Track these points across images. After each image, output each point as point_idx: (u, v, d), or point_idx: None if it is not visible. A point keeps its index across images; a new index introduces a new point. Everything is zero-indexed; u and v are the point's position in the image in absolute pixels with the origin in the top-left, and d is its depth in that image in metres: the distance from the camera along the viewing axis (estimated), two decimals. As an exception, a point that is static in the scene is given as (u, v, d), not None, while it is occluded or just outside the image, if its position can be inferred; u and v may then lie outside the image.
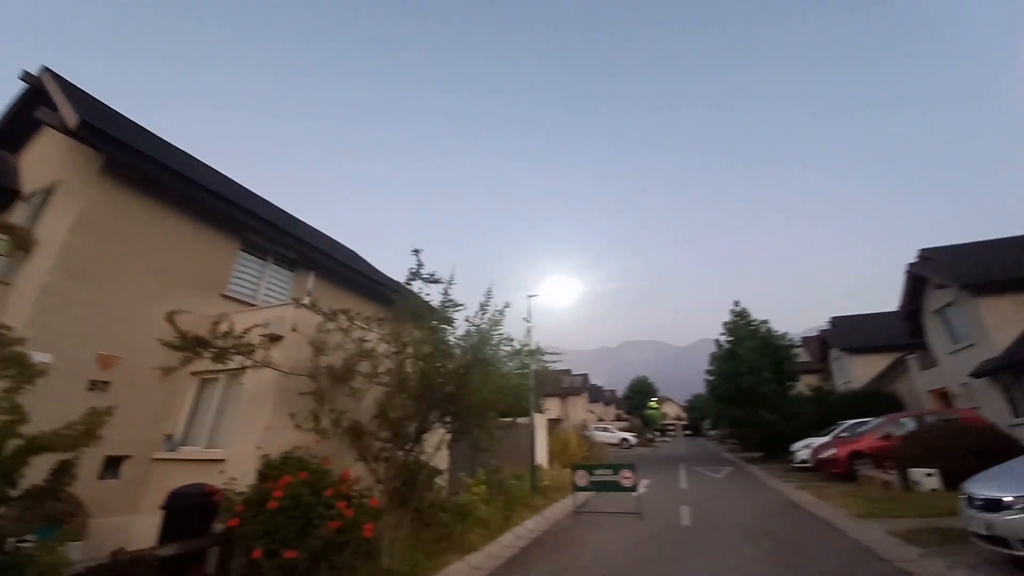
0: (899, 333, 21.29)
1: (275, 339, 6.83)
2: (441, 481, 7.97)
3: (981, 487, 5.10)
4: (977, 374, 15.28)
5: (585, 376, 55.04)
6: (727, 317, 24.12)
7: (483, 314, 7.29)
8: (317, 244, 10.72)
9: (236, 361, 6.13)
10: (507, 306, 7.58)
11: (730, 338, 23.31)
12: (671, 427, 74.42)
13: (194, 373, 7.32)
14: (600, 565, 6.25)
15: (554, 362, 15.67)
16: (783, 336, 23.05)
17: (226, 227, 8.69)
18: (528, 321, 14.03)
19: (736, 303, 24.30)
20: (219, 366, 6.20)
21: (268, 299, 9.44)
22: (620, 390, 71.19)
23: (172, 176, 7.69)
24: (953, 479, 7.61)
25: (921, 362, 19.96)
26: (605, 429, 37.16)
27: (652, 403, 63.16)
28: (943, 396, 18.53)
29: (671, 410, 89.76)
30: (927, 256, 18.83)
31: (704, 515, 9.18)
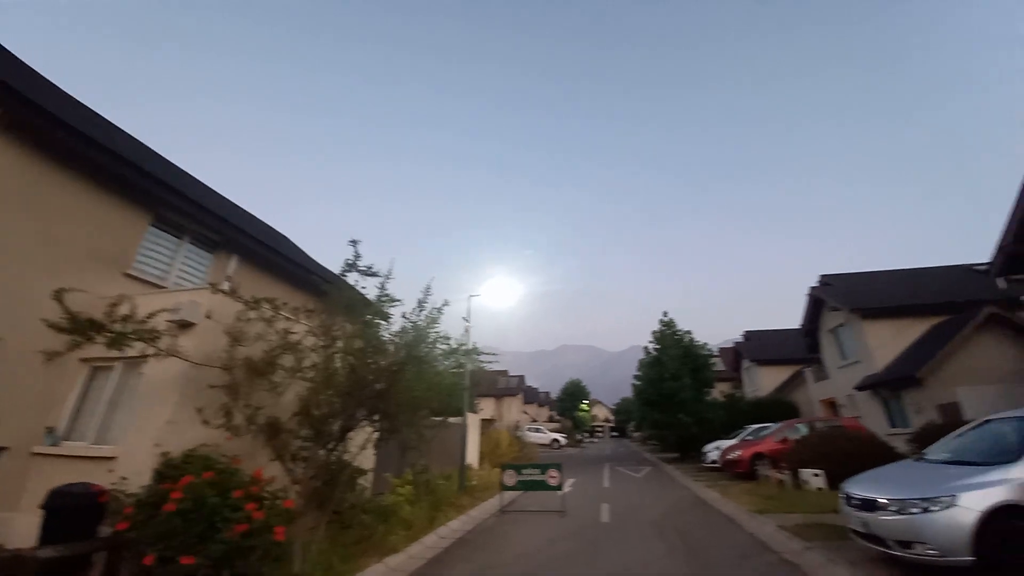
0: (800, 348, 23.74)
1: (185, 326, 6.26)
2: (365, 481, 7.71)
3: (859, 488, 5.69)
4: (860, 387, 17.42)
5: (521, 377, 55.87)
6: (657, 326, 25.60)
7: (420, 311, 7.17)
8: (242, 226, 9.94)
9: (136, 348, 5.54)
10: (445, 304, 7.52)
11: (657, 346, 24.70)
12: (599, 429, 77.57)
13: (84, 360, 6.54)
14: (521, 562, 6.36)
15: (490, 362, 15.76)
16: (703, 346, 24.82)
17: (137, 199, 7.83)
18: (467, 321, 14.01)
19: (665, 314, 25.82)
20: (115, 353, 5.58)
21: (182, 282, 8.62)
22: (555, 392, 73.02)
23: (75, 138, 6.81)
24: (836, 480, 8.56)
25: (816, 375, 22.40)
26: (537, 430, 37.92)
27: (583, 406, 65.34)
28: (832, 405, 20.91)
29: (601, 413, 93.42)
30: (826, 281, 21.20)
31: (622, 512, 9.65)
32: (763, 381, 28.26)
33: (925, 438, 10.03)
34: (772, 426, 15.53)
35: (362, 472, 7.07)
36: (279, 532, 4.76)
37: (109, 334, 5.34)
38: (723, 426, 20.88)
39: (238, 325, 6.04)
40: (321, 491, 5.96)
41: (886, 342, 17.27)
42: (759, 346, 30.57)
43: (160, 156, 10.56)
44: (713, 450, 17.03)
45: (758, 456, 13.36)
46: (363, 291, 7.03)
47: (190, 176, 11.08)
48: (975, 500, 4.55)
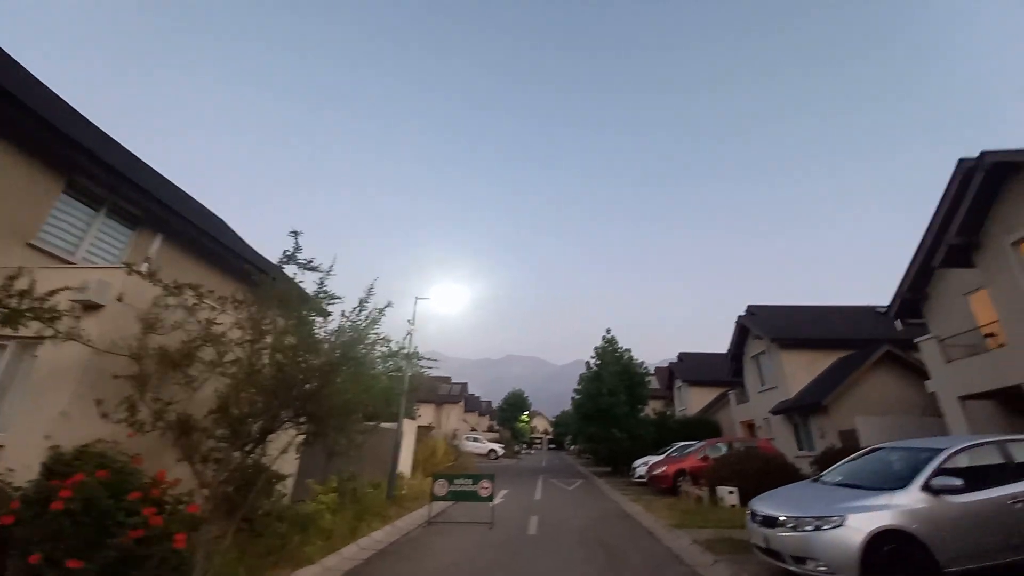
0: (727, 371, 25.38)
1: (92, 308, 5.65)
2: (284, 488, 7.27)
3: (762, 505, 6.13)
4: (775, 411, 18.86)
5: (464, 385, 55.36)
6: (600, 342, 26.38)
7: (361, 311, 6.94)
8: (171, 203, 9.15)
9: (32, 328, 4.94)
10: (388, 305, 7.32)
11: (598, 362, 25.44)
12: (538, 441, 78.31)
13: (-34, 338, 5.72)
14: (441, 574, 6.25)
15: (431, 367, 15.51)
16: (641, 364, 25.87)
17: (49, 162, 7.02)
18: (412, 324, 13.72)
19: (608, 331, 26.69)
20: (7, 332, 4.93)
21: (93, 258, 7.80)
22: (497, 402, 72.98)
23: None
24: (748, 497, 9.17)
25: (738, 397, 24.01)
26: (475, 439, 37.62)
27: (523, 417, 65.72)
28: (751, 427, 22.46)
29: (540, 424, 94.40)
30: (753, 311, 22.89)
31: (550, 524, 9.77)
32: (692, 401, 29.87)
33: (826, 461, 11.01)
34: (696, 444, 16.39)
35: (281, 477, 6.68)
36: (179, 540, 4.40)
37: (3, 310, 4.72)
38: (653, 442, 21.79)
39: (154, 311, 5.55)
40: (232, 497, 5.57)
41: (800, 371, 18.88)
42: (691, 367, 32.34)
43: (82, 117, 9.55)
44: (641, 465, 17.68)
45: (681, 472, 14.05)
46: (301, 285, 6.72)
47: (117, 143, 10.10)
48: (862, 522, 4.99)
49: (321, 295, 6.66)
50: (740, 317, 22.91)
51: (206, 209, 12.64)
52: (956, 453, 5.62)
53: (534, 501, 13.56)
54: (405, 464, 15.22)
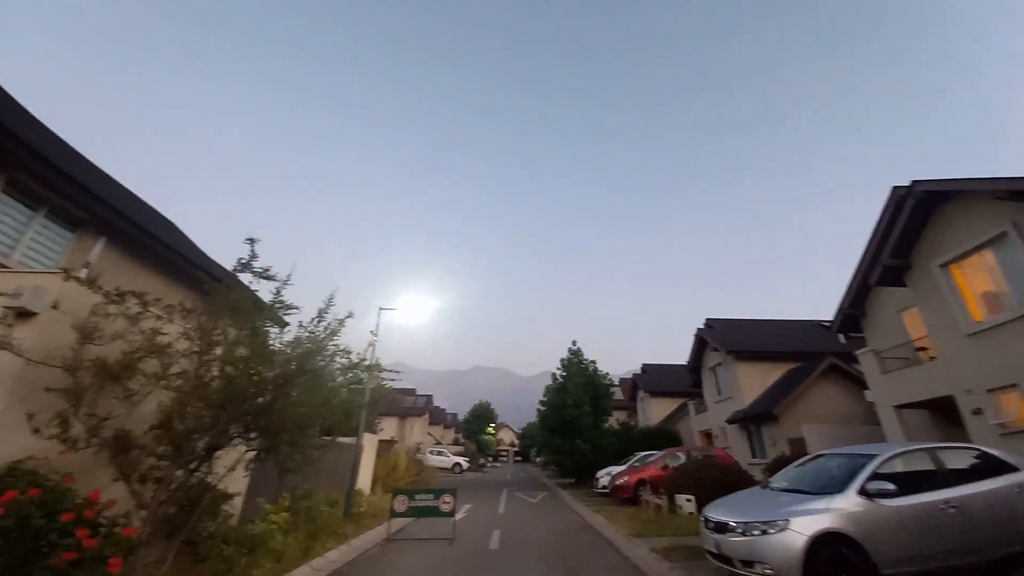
0: (687, 382, 26.17)
1: (25, 315, 5.26)
2: (231, 507, 6.91)
3: (715, 512, 6.34)
4: (730, 421, 19.56)
5: (429, 397, 54.44)
6: (566, 355, 26.66)
7: (320, 321, 6.78)
8: (117, 204, 8.67)
9: (-45, 337, 4.56)
10: (349, 316, 7.19)
11: (564, 373, 25.70)
12: (504, 453, 77.70)
13: None
14: (400, 594, 6.10)
15: (394, 380, 15.23)
16: (605, 376, 26.30)
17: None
18: (375, 335, 13.46)
19: (574, 343, 27.03)
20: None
21: (30, 262, 7.26)
22: (464, 414, 72.12)
23: None
24: (704, 504, 9.45)
25: (697, 408, 24.77)
26: (440, 453, 36.95)
27: (489, 429, 65.22)
28: (708, 436, 23.18)
29: (507, 437, 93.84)
30: (711, 324, 23.78)
31: (512, 538, 9.70)
32: (654, 411, 30.56)
33: (776, 468, 11.49)
34: (656, 454, 16.75)
35: (228, 497, 6.34)
36: (114, 564, 4.17)
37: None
38: (616, 453, 22.10)
39: (93, 320, 5.22)
40: (173, 518, 5.25)
41: (753, 382, 19.72)
42: (654, 379, 33.15)
43: (24, 110, 8.95)
44: (605, 476, 17.87)
45: (642, 482, 14.30)
46: (257, 295, 6.50)
47: (62, 141, 9.50)
48: (804, 525, 5.23)
49: (278, 305, 6.47)
50: (699, 330, 23.76)
51: (156, 212, 12.02)
52: (889, 459, 5.99)
53: (497, 515, 13.43)
54: (364, 480, 14.77)
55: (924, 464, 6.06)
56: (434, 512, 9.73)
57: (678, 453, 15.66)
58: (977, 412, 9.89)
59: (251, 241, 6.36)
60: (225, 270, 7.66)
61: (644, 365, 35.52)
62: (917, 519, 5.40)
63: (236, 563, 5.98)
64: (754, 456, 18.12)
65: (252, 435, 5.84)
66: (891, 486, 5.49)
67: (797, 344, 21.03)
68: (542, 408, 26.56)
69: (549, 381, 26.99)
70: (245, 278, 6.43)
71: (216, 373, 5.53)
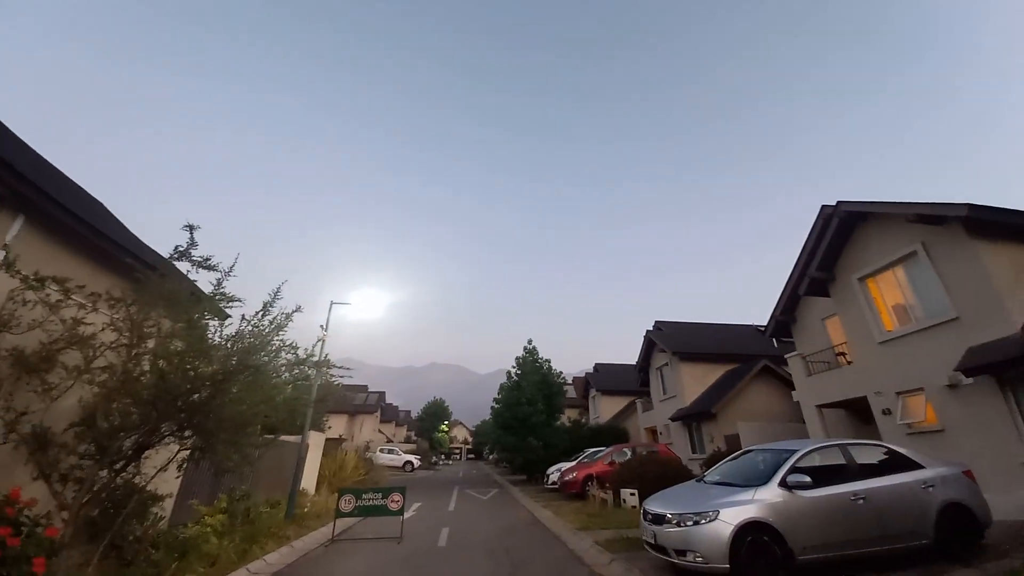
0: (636, 381, 27.18)
1: (-80, 302, 4.74)
2: (161, 509, 6.52)
3: (654, 505, 6.67)
4: (673, 418, 20.56)
5: (381, 394, 53.25)
6: (521, 352, 26.93)
7: (265, 315, 6.52)
8: (39, 181, 7.90)
9: None
10: (297, 309, 6.95)
11: (519, 371, 25.96)
12: (457, 451, 77.36)
13: None
14: (343, 594, 6.00)
15: (345, 376, 14.81)
16: (559, 375, 26.84)
17: None
18: (325, 330, 13.05)
19: (530, 341, 27.33)
20: None
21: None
22: (419, 411, 71.04)
23: None
24: (646, 498, 9.92)
25: (644, 406, 25.81)
26: (391, 451, 36.27)
27: (443, 427, 64.70)
28: (653, 433, 24.22)
29: (461, 434, 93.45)
30: (659, 327, 24.82)
31: (461, 535, 9.75)
32: (605, 409, 31.52)
33: (711, 463, 12.23)
34: (604, 450, 17.33)
35: (158, 499, 5.99)
36: (39, 564, 3.94)
37: None
38: (567, 450, 22.63)
39: (8, 307, 4.78)
40: (97, 520, 4.91)
41: (695, 382, 20.82)
42: (605, 377, 34.18)
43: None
44: (555, 472, 18.26)
45: (590, 477, 14.77)
46: (196, 285, 6.16)
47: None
48: (731, 515, 5.64)
49: (218, 296, 6.16)
50: (648, 331, 24.76)
51: (83, 190, 11.02)
52: (807, 454, 6.53)
53: (447, 512, 13.43)
54: (309, 480, 14.29)
55: (838, 459, 6.60)
56: (382, 511, 9.60)
57: (624, 449, 16.28)
58: (887, 412, 10.98)
59: (190, 228, 6.04)
60: (161, 258, 7.17)
61: (597, 364, 36.55)
62: (829, 509, 5.90)
63: (165, 568, 5.66)
64: (694, 452, 19.14)
65: (186, 434, 5.54)
66: (808, 479, 5.98)
67: (736, 347, 22.41)
68: (497, 406, 26.71)
69: (505, 379, 27.19)
70: (183, 267, 6.08)
71: (147, 368, 5.21)
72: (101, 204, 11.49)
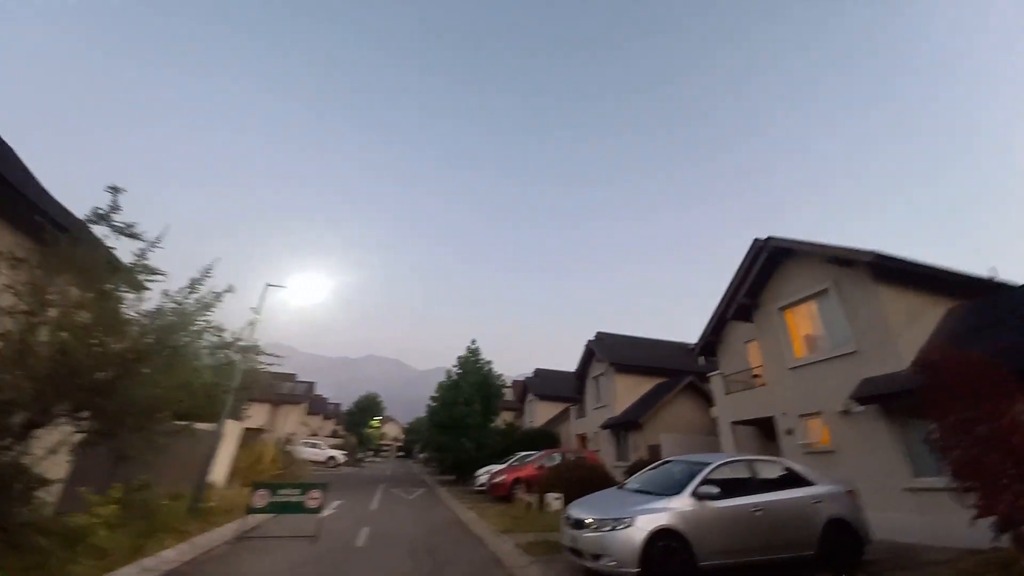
0: (573, 388, 27.93)
1: None
2: (47, 495, 5.85)
3: (575, 510, 6.91)
4: (604, 426, 21.39)
5: (311, 384, 50.76)
6: (463, 352, 26.81)
7: (191, 292, 6.07)
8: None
9: None
10: (228, 289, 6.54)
11: (460, 371, 25.81)
12: (387, 448, 75.30)
13: None
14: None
15: (273, 364, 14.04)
16: (499, 377, 27.01)
17: None
18: (257, 312, 12.30)
19: (473, 341, 27.28)
20: None
21: None
22: (351, 404, 68.31)
23: None
24: (571, 502, 10.23)
25: (577, 412, 26.62)
26: (314, 444, 34.67)
27: (374, 422, 62.74)
28: (584, 439, 25.02)
29: (392, 431, 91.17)
30: (600, 337, 25.70)
31: (382, 535, 9.55)
32: (540, 414, 32.12)
33: (634, 470, 12.86)
34: (535, 454, 17.66)
35: (45, 482, 5.38)
36: None
37: None
38: (499, 452, 22.79)
39: None
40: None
41: (627, 392, 21.79)
42: (543, 383, 34.84)
43: None
44: (484, 474, 18.33)
45: (518, 481, 14.99)
46: (115, 253, 5.63)
47: None
48: (645, 522, 5.98)
49: (139, 268, 5.66)
50: (589, 341, 25.58)
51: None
52: (718, 467, 7.05)
53: (369, 511, 13.07)
54: (221, 472, 13.37)
55: (744, 473, 7.19)
56: (298, 508, 9.15)
57: (555, 454, 16.67)
58: (789, 432, 12.12)
59: (114, 190, 5.51)
60: (77, 220, 6.44)
61: (537, 370, 37.16)
62: (732, 519, 6.41)
63: (52, 557, 5.08)
64: (619, 459, 20.01)
65: (83, 415, 5.02)
66: (717, 490, 6.46)
67: (667, 362, 23.70)
68: (433, 404, 26.40)
69: (443, 376, 26.93)
70: (102, 232, 5.53)
71: (47, 339, 4.68)
72: (13, 151, 10.17)
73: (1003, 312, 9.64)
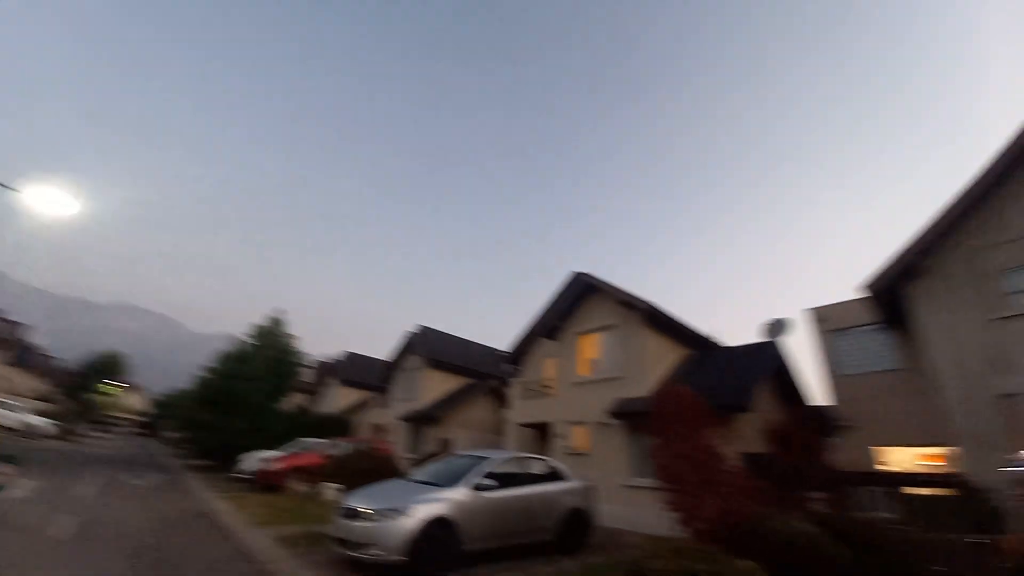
0: (383, 377, 27.02)
1: None
2: None
3: (354, 499, 6.63)
4: (405, 418, 21.36)
5: (16, 325, 37.50)
6: (262, 318, 23.35)
7: None
8: None
9: None
10: None
11: (256, 342, 22.37)
12: (123, 421, 59.79)
13: None
14: None
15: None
16: (302, 355, 24.35)
17: None
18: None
19: (280, 310, 24.02)
20: None
21: None
22: (82, 361, 51.93)
23: None
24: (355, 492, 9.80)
25: (379, 402, 25.93)
26: (7, 406, 25.58)
27: (107, 387, 49.48)
28: (381, 429, 24.46)
29: (139, 402, 73.60)
30: (421, 330, 25.64)
31: (97, 527, 7.55)
32: (341, 400, 30.10)
33: (423, 462, 13.13)
34: (323, 441, 16.47)
35: None
36: None
37: None
38: (280, 437, 20.39)
39: None
40: None
41: (435, 388, 22.25)
42: (352, 367, 32.75)
43: None
44: (254, 460, 16.14)
45: (297, 469, 13.72)
46: None
47: None
48: (421, 511, 6.12)
49: None
50: (410, 332, 25.25)
51: None
52: (496, 461, 7.73)
53: (82, 499, 10.20)
54: None
55: (516, 468, 8.02)
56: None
57: (345, 443, 15.85)
58: (560, 436, 14.11)
59: None
60: None
61: (349, 353, 34.82)
62: (498, 508, 7.09)
63: None
64: (413, 451, 20.18)
65: None
66: (493, 482, 7.09)
67: (478, 364, 25.00)
68: (207, 375, 22.28)
69: (228, 345, 23.03)
70: None
71: None
72: None
73: (711, 362, 13.27)
